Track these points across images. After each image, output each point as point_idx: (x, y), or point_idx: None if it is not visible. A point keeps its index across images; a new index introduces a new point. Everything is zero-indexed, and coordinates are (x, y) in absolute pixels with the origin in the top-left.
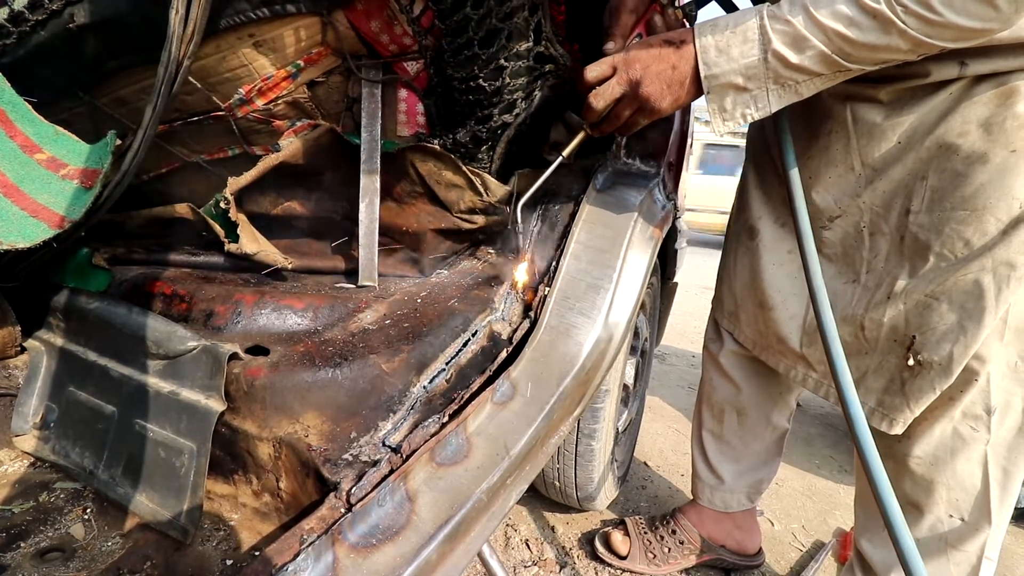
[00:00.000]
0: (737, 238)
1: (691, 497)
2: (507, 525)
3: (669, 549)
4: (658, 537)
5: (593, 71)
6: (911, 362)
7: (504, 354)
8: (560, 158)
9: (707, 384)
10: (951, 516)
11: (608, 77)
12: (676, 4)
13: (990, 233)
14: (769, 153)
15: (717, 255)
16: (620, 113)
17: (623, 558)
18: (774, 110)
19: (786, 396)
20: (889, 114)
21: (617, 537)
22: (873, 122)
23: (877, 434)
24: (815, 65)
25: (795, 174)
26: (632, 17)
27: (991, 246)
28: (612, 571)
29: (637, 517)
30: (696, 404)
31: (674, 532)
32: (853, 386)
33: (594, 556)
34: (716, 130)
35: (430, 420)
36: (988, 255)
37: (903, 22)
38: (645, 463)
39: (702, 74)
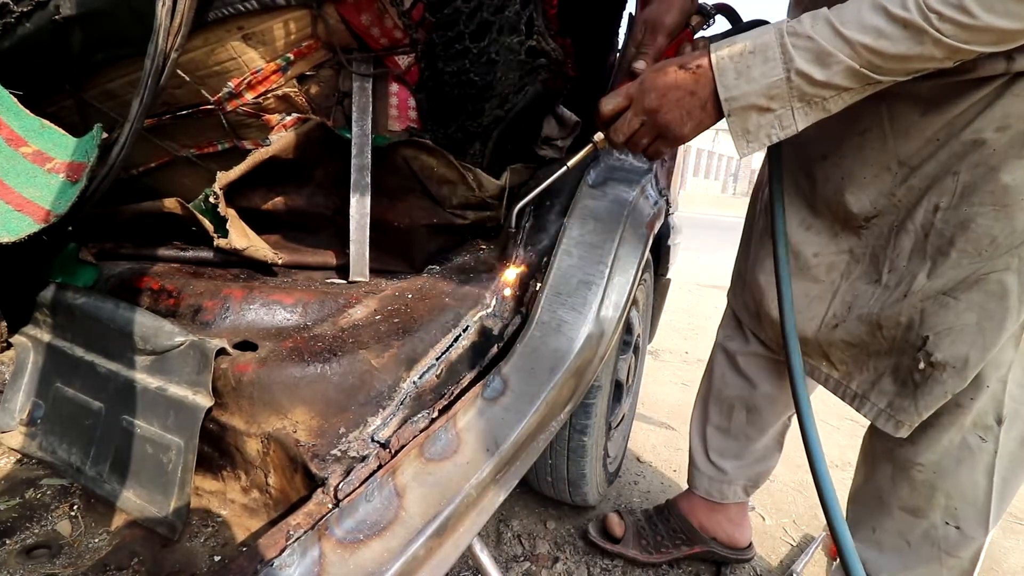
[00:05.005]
0: (760, 240)
1: (684, 491)
2: (499, 520)
3: (661, 537)
4: (651, 525)
5: (609, 104)
6: (922, 364)
7: (495, 350)
8: (564, 168)
9: (718, 380)
10: (947, 524)
11: (624, 109)
12: (707, 25)
13: (1018, 231)
14: (794, 152)
15: (713, 252)
16: (638, 142)
17: (616, 541)
18: (801, 128)
19: None
20: (928, 110)
21: (614, 519)
22: (911, 119)
23: (880, 436)
24: (843, 80)
25: (779, 207)
26: (667, 39)
27: (1018, 245)
28: (604, 565)
29: (632, 509)
30: (700, 399)
31: (667, 520)
32: (804, 381)
33: (585, 538)
34: (740, 153)
35: (419, 415)
36: (1015, 254)
37: (937, 30)
38: (638, 459)
39: (721, 97)
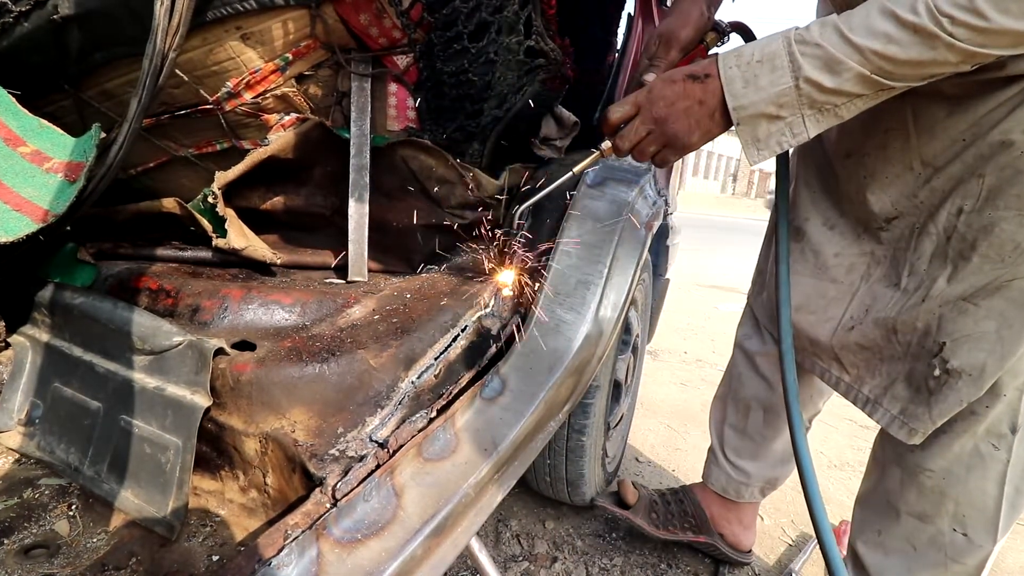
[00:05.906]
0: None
1: (700, 482)
2: (498, 520)
3: (672, 516)
4: (665, 503)
5: (616, 112)
6: (937, 371)
7: (493, 350)
8: (569, 174)
9: (735, 380)
10: (955, 530)
11: (631, 117)
12: (721, 43)
13: None
14: (822, 150)
15: (712, 253)
16: (645, 150)
17: (627, 507)
18: (812, 135)
19: (816, 399)
20: (954, 109)
21: (629, 486)
22: (936, 118)
23: (890, 440)
24: (853, 87)
25: (783, 208)
26: (680, 54)
27: None
28: (602, 565)
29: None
30: (719, 397)
31: (681, 503)
32: (795, 381)
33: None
34: (751, 161)
35: (418, 415)
36: None
37: (949, 34)
38: (636, 459)
39: (730, 106)
